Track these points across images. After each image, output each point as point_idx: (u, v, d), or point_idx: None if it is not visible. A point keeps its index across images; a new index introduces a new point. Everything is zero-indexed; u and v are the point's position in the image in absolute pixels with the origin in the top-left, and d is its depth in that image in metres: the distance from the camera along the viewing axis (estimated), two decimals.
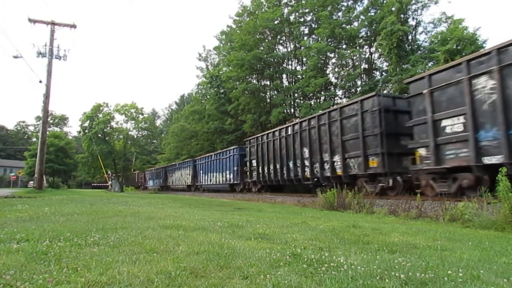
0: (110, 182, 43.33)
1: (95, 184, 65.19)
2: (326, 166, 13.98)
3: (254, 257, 3.26)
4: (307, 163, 15.35)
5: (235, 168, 22.99)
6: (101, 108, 44.02)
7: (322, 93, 28.78)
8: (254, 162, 20.33)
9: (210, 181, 27.71)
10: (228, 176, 24.32)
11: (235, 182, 23.14)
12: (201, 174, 30.05)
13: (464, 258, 3.54)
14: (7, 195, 16.11)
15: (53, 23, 22.57)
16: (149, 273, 2.61)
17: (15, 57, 21.44)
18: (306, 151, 15.44)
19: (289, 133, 16.95)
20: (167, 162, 47.72)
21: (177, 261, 3.02)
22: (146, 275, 2.57)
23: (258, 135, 20.79)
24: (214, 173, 26.95)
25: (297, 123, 16.68)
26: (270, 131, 19.52)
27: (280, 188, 20.06)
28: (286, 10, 32.87)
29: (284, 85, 32.62)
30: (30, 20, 21.90)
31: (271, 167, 18.49)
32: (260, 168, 19.66)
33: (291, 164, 16.66)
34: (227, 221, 6.08)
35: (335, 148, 13.54)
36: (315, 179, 14.77)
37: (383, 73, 26.92)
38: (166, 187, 39.55)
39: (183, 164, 35.08)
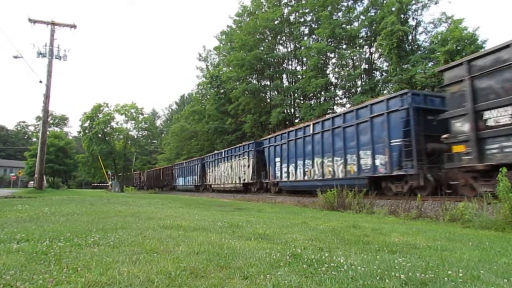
0: (110, 182, 43.33)
1: (95, 184, 65.20)
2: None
3: (254, 257, 3.25)
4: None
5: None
6: (101, 108, 44.04)
7: (322, 93, 28.82)
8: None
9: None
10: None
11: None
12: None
13: (464, 258, 3.54)
14: (7, 195, 16.11)
15: (53, 23, 22.58)
16: (149, 273, 2.61)
17: (15, 57, 21.46)
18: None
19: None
20: (167, 162, 47.74)
21: (177, 261, 3.02)
22: (146, 275, 2.57)
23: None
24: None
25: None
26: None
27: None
28: (286, 10, 32.95)
29: (284, 85, 32.64)
30: (30, 20, 21.90)
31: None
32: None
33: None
34: (227, 221, 6.08)
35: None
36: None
37: (383, 73, 26.95)
38: (205, 187, 29.82)
39: (234, 152, 24.31)
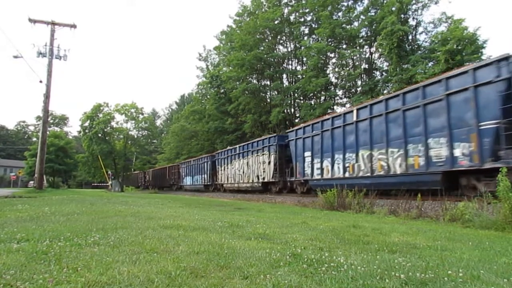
0: (110, 182, 43.33)
1: (95, 184, 65.20)
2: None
3: (254, 257, 3.26)
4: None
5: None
6: (101, 108, 44.07)
7: (322, 93, 28.82)
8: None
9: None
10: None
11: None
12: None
13: (464, 258, 3.54)
14: (7, 195, 16.11)
15: (53, 23, 22.57)
16: (149, 273, 2.61)
17: (15, 57, 21.45)
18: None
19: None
20: (167, 162, 47.71)
21: (177, 261, 3.02)
22: (146, 275, 2.57)
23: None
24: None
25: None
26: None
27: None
28: (286, 10, 32.93)
29: (284, 85, 32.65)
30: (30, 20, 21.90)
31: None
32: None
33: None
34: (227, 221, 6.09)
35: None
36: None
37: (383, 73, 26.94)
38: (215, 187, 27.35)
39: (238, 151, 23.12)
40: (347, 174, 12.88)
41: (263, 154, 19.58)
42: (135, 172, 53.44)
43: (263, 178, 19.45)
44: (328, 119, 14.35)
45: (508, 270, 3.08)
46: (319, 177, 14.58)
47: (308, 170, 15.33)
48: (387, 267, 2.99)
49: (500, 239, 5.04)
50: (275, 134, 19.58)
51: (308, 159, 15.37)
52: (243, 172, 22.04)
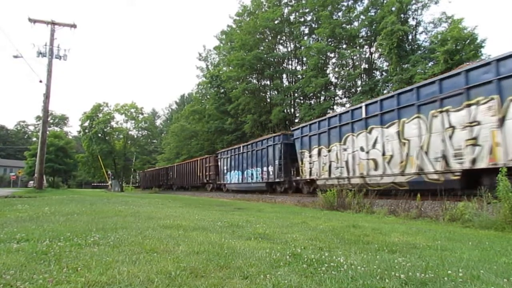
0: (110, 182, 43.33)
1: (95, 184, 65.20)
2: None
3: (254, 257, 3.26)
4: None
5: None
6: (101, 108, 44.11)
7: (322, 93, 28.82)
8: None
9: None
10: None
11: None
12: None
13: (464, 258, 3.54)
14: (7, 195, 16.11)
15: (53, 23, 22.56)
16: (149, 273, 2.61)
17: (15, 56, 21.44)
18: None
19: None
20: (167, 162, 47.64)
21: (177, 261, 3.02)
22: (146, 275, 2.57)
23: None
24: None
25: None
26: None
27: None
28: (286, 10, 32.93)
29: (284, 85, 32.66)
30: (30, 20, 21.89)
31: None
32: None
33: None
34: (227, 221, 6.09)
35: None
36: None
37: (383, 73, 26.95)
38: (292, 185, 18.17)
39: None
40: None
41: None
42: (150, 169, 47.44)
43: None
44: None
45: (508, 270, 3.08)
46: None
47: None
48: (387, 267, 2.99)
49: (500, 239, 5.04)
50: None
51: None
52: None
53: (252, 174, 20.74)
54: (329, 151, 13.98)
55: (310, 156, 15.19)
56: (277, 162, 17.97)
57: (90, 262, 2.89)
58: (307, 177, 15.42)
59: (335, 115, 14.05)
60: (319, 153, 14.62)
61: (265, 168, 19.18)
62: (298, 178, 16.49)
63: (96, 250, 3.40)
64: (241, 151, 21.77)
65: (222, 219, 6.52)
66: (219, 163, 24.38)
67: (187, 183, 33.63)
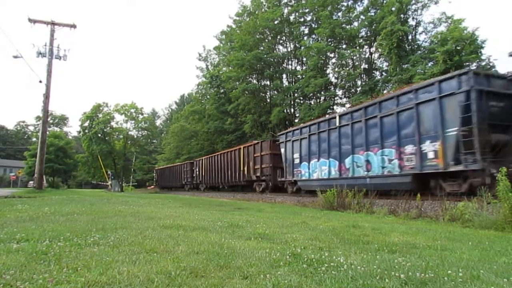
0: (110, 182, 43.30)
1: (95, 184, 65.12)
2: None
3: (254, 257, 3.26)
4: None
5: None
6: (101, 108, 44.04)
7: (322, 93, 28.81)
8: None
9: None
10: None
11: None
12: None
13: (464, 258, 3.54)
14: (7, 195, 16.09)
15: (53, 23, 22.55)
16: (149, 273, 2.61)
17: (15, 57, 21.42)
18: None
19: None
20: (167, 162, 47.58)
21: (177, 261, 3.02)
22: (146, 275, 2.57)
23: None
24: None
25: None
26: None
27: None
28: (286, 10, 32.90)
29: (284, 85, 32.65)
30: (30, 20, 21.87)
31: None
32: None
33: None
34: (227, 221, 6.09)
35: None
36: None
37: (383, 73, 26.94)
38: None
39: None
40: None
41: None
42: (170, 165, 41.50)
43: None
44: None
45: (508, 269, 3.08)
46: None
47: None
48: (387, 267, 2.99)
49: (499, 239, 5.05)
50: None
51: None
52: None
53: (370, 161, 12.09)
54: None
55: None
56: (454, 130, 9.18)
57: (90, 262, 2.89)
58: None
59: None
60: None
61: (410, 148, 10.55)
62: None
63: (96, 250, 3.40)
64: (338, 123, 13.66)
65: (222, 219, 6.52)
66: (283, 150, 17.64)
67: (222, 181, 25.98)
